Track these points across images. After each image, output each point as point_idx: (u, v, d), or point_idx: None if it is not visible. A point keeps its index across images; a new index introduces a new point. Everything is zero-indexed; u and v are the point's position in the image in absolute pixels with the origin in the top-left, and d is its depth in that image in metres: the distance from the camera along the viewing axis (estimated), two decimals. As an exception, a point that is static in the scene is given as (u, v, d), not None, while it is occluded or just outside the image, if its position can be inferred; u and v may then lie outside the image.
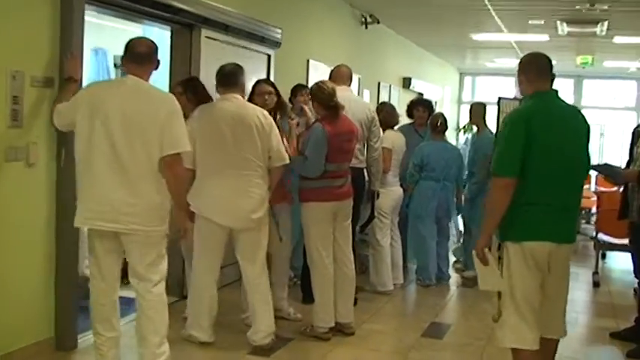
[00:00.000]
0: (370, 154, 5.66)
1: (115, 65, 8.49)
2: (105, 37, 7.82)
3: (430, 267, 6.60)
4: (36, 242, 4.19)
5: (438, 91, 15.27)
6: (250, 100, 4.85)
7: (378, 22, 10.02)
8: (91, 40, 9.48)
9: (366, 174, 5.71)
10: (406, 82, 12.54)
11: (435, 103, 14.34)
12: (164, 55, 5.49)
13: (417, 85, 12.94)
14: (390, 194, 6.15)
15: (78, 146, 3.70)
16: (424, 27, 11.15)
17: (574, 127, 3.58)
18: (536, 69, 3.58)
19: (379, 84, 11.01)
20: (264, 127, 4.44)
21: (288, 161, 4.59)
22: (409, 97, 10.07)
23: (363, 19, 9.80)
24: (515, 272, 3.44)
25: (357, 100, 5.82)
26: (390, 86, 11.53)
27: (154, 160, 3.64)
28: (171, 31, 5.60)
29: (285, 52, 7.17)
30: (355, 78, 9.69)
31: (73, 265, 4.41)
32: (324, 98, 4.79)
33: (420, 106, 7.27)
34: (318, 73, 8.25)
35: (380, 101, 9.74)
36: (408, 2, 9.06)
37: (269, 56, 6.71)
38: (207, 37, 5.64)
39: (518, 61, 3.69)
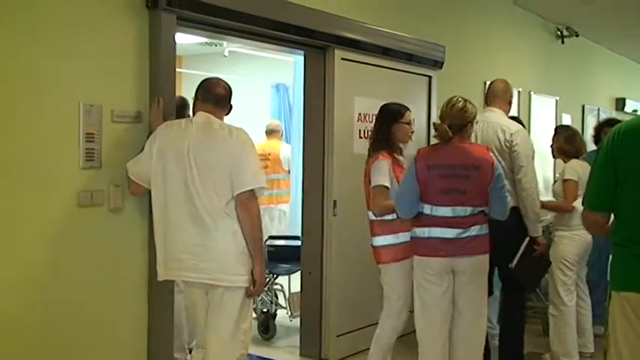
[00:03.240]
0: (519, 193, 4.40)
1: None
2: (285, 72, 7.53)
3: None
4: (124, 301, 3.67)
5: (664, 112, 13.29)
6: None
7: (577, 35, 8.73)
8: (271, 76, 9.40)
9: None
10: (619, 104, 10.94)
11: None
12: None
13: (633, 107, 11.26)
14: (576, 240, 4.90)
15: (154, 191, 3.41)
16: (635, 39, 9.57)
17: None
18: None
19: (583, 107, 9.61)
20: None
21: None
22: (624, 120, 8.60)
23: (559, 33, 8.58)
24: None
25: (491, 121, 4.51)
26: (598, 109, 10.06)
27: (227, 200, 3.32)
28: (304, 55, 4.97)
29: (454, 74, 6.24)
30: (552, 101, 8.55)
31: (169, 325, 3.83)
32: (448, 115, 3.78)
33: (607, 127, 5.87)
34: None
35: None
36: (608, 11, 7.73)
37: (430, 78, 5.88)
38: (343, 58, 4.96)
39: None
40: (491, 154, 3.80)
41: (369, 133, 4.51)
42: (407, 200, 3.75)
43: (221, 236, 3.30)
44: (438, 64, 5.88)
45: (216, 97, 3.47)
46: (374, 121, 4.29)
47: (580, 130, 9.30)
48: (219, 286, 3.32)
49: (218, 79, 3.58)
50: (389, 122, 4.12)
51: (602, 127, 5.96)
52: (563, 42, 8.64)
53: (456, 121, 3.72)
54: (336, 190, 4.90)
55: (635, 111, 11.41)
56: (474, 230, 3.70)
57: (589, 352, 5.12)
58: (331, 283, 4.94)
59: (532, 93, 7.96)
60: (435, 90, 5.91)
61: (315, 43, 4.77)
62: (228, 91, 3.54)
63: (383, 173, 3.94)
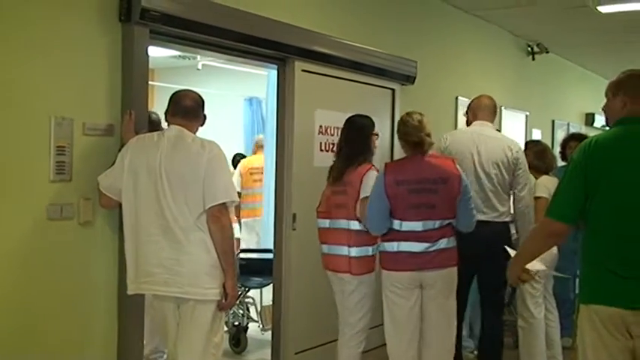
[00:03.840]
0: (516, 206, 4.61)
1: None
2: (259, 86, 7.52)
3: None
4: (95, 315, 3.64)
5: (632, 128, 13.49)
6: None
7: (547, 52, 8.85)
8: (244, 89, 9.41)
9: (513, 229, 4.70)
10: (589, 119, 11.09)
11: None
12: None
13: (602, 122, 11.39)
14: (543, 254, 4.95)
15: (125, 205, 3.38)
16: (604, 56, 9.74)
17: None
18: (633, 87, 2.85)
19: (553, 122, 9.73)
20: None
21: None
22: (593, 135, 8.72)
23: (530, 49, 8.69)
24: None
25: (495, 137, 4.74)
26: (568, 124, 10.20)
27: (199, 213, 3.30)
28: (277, 68, 4.96)
29: (426, 89, 6.30)
30: (522, 115, 8.65)
31: (138, 340, 3.81)
32: (405, 132, 3.88)
33: (572, 141, 5.96)
34: (470, 111, 7.28)
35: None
36: (578, 29, 7.86)
37: (393, 91, 5.88)
38: (303, 70, 4.90)
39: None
40: (457, 166, 3.86)
41: (334, 145, 4.51)
42: (377, 217, 3.79)
43: (193, 250, 3.28)
44: (409, 79, 5.92)
45: (184, 109, 3.45)
46: (347, 132, 4.21)
47: (550, 145, 9.45)
48: (190, 300, 3.31)
49: (187, 91, 3.56)
50: (368, 134, 4.16)
51: (567, 142, 6.05)
52: (533, 58, 8.75)
53: (427, 133, 3.84)
54: (295, 204, 4.83)
55: (604, 126, 11.55)
56: (441, 243, 3.75)
57: (558, 365, 5.18)
58: (288, 298, 4.86)
59: (503, 108, 8.03)
60: (399, 103, 5.89)
61: (274, 54, 4.69)
62: (199, 102, 3.52)
63: None
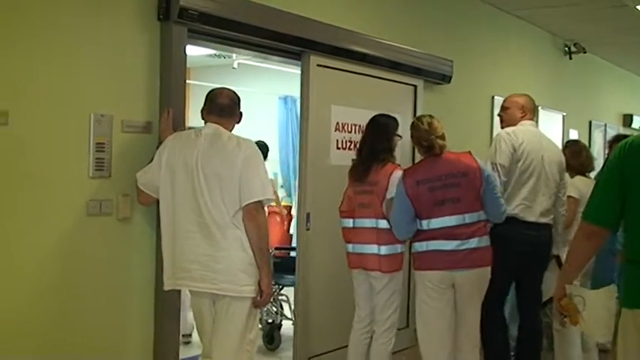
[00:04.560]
0: (557, 209, 4.53)
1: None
2: (293, 84, 7.54)
3: None
4: (131, 310, 3.70)
5: (672, 129, 13.26)
6: None
7: (585, 52, 8.74)
8: (278, 88, 9.44)
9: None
10: (627, 120, 10.92)
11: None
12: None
13: (641, 123, 11.25)
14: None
15: (162, 201, 3.42)
16: (645, 55, 9.61)
17: None
18: None
19: (590, 123, 9.60)
20: None
21: None
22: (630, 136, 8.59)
23: (567, 49, 8.59)
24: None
25: (549, 138, 4.68)
26: (605, 125, 10.05)
27: (235, 211, 3.32)
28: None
29: (461, 88, 6.28)
30: (559, 116, 8.55)
31: (175, 335, 3.86)
32: (417, 137, 3.91)
33: (617, 142, 5.87)
34: (507, 111, 7.22)
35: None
36: (616, 28, 7.77)
37: (415, 87, 5.73)
38: (319, 65, 4.74)
39: None
40: (475, 158, 3.85)
41: (351, 143, 4.51)
42: (403, 221, 3.82)
43: (229, 247, 3.31)
44: (445, 78, 5.90)
45: (220, 107, 3.47)
46: (370, 131, 4.18)
47: (587, 146, 9.34)
48: (226, 296, 3.33)
49: (222, 89, 3.59)
50: (391, 134, 4.16)
51: (612, 144, 5.95)
52: (570, 58, 8.65)
53: (436, 135, 3.84)
54: (310, 203, 4.71)
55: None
56: (473, 242, 3.72)
57: (593, 368, 5.11)
58: (302, 301, 4.75)
59: (540, 108, 7.95)
60: (421, 99, 5.75)
61: (291, 49, 4.55)
62: (234, 100, 3.54)
63: None
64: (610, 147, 5.96)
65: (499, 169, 4.23)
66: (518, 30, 7.59)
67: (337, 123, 4.94)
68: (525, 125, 4.55)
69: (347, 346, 4.27)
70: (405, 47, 5.42)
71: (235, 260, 3.32)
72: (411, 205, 3.75)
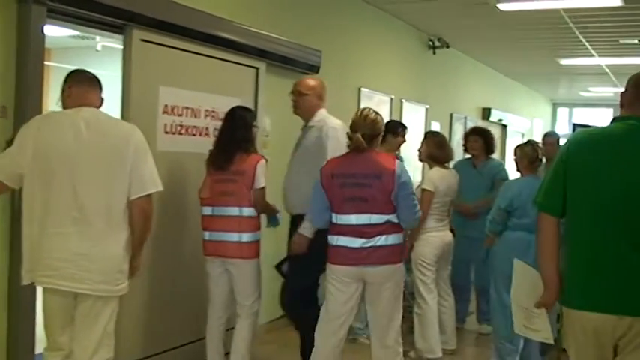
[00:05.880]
0: None
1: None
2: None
3: (516, 346, 4.88)
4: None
5: (526, 123, 14.09)
6: None
7: (448, 47, 9.10)
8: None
9: None
10: (485, 113, 11.49)
11: (522, 135, 13.24)
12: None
13: (498, 116, 11.85)
14: (431, 241, 5.16)
15: (28, 192, 3.12)
16: (503, 52, 10.14)
17: None
18: (634, 90, 2.76)
19: (452, 115, 10.02)
20: None
21: None
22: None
23: (431, 44, 8.91)
24: None
25: None
26: (465, 118, 10.52)
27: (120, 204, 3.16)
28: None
29: (329, 79, 6.35)
30: (422, 108, 8.87)
31: (30, 330, 3.69)
32: (350, 126, 3.89)
33: (473, 135, 6.21)
34: (373, 103, 7.41)
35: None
36: (478, 25, 8.14)
37: (257, 70, 5.35)
38: (143, 40, 4.27)
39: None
40: (397, 163, 3.81)
41: (183, 128, 4.42)
42: (316, 208, 3.87)
43: (109, 245, 3.13)
44: (314, 68, 5.96)
45: (89, 78, 3.26)
46: (228, 123, 4.16)
47: (448, 138, 9.75)
48: (93, 295, 3.14)
49: (84, 70, 3.36)
50: (249, 125, 4.23)
51: (467, 136, 6.27)
52: (434, 52, 8.96)
53: (368, 132, 3.78)
54: None
55: (500, 120, 12.02)
56: (379, 240, 3.74)
57: (450, 349, 5.38)
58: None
59: (404, 100, 8.23)
60: (263, 83, 5.36)
61: (109, 20, 4.05)
62: (99, 83, 3.30)
63: None
64: (466, 139, 6.28)
65: None
66: (386, 23, 7.77)
67: (166, 105, 4.52)
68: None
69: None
70: (245, 26, 5.10)
71: (114, 260, 3.15)
72: (325, 195, 3.79)
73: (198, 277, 4.46)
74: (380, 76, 7.65)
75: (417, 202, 3.90)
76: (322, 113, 4.33)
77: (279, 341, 5.31)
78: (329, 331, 3.86)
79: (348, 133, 3.86)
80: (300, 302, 4.31)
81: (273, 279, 4.53)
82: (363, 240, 3.73)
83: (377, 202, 3.73)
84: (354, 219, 3.74)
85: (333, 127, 4.19)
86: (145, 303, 4.42)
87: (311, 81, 4.45)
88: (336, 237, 3.80)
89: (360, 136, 3.74)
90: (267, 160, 4.22)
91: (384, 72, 7.78)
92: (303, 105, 4.35)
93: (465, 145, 6.24)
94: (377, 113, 3.89)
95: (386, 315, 3.86)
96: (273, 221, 4.38)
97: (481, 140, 6.06)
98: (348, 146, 3.85)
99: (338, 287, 3.81)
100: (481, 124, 10.57)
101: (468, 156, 6.29)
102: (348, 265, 3.77)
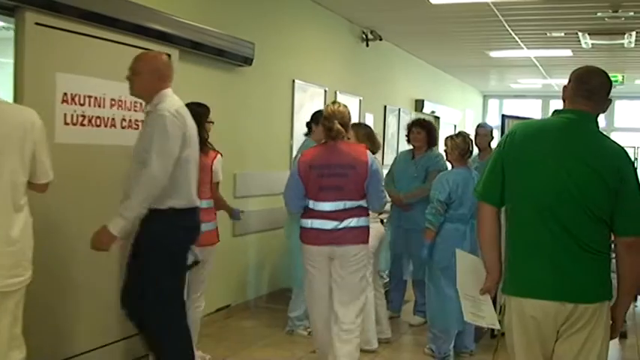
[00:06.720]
0: None
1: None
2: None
3: (451, 335, 4.98)
4: None
5: (457, 114, 14.32)
6: None
7: (381, 39, 9.15)
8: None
9: None
10: (419, 105, 11.61)
11: (455, 126, 13.46)
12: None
13: (431, 108, 12.00)
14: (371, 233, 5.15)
15: None
16: (433, 44, 10.26)
17: (583, 159, 2.71)
18: (575, 84, 2.83)
19: (385, 107, 10.09)
20: None
21: None
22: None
23: (364, 36, 8.94)
24: None
25: None
26: (399, 110, 10.61)
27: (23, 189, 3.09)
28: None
29: (263, 71, 6.33)
30: (356, 100, 8.89)
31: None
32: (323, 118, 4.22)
33: (413, 126, 6.22)
34: (307, 95, 7.40)
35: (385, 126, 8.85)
36: (410, 18, 8.20)
37: (169, 56, 4.46)
38: (37, 23, 3.95)
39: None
40: (368, 153, 4.17)
41: (86, 118, 4.28)
42: (293, 196, 4.20)
43: (16, 232, 3.01)
44: (248, 61, 5.91)
45: None
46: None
47: (382, 129, 9.83)
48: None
49: None
50: (203, 121, 4.43)
51: (410, 127, 6.24)
52: (367, 45, 8.99)
53: (340, 121, 4.10)
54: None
55: (433, 112, 12.17)
56: (350, 222, 4.09)
57: (385, 338, 5.44)
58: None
59: (337, 92, 8.23)
60: (178, 70, 4.65)
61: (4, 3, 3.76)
62: None
63: None
64: (409, 130, 6.27)
65: None
66: (319, 16, 7.76)
67: (65, 94, 4.17)
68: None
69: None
70: (154, 9, 4.81)
71: (25, 251, 3.06)
72: (301, 183, 4.12)
73: (96, 272, 4.28)
74: (314, 68, 7.63)
75: (383, 188, 4.28)
76: (161, 96, 3.66)
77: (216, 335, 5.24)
78: (321, 307, 4.19)
79: (325, 124, 4.12)
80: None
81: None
82: (336, 222, 4.08)
83: (351, 190, 4.09)
84: (329, 206, 4.08)
85: (161, 115, 3.53)
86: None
87: (147, 57, 3.79)
88: (310, 220, 4.13)
89: (339, 125, 4.08)
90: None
91: (318, 64, 7.77)
92: (139, 85, 3.72)
93: (407, 136, 6.23)
94: (345, 106, 4.22)
95: (347, 293, 4.12)
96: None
97: (424, 132, 6.07)
98: (327, 135, 4.11)
99: (317, 267, 4.15)
100: (414, 115, 10.72)
101: (410, 147, 6.27)
102: (320, 244, 4.10)
